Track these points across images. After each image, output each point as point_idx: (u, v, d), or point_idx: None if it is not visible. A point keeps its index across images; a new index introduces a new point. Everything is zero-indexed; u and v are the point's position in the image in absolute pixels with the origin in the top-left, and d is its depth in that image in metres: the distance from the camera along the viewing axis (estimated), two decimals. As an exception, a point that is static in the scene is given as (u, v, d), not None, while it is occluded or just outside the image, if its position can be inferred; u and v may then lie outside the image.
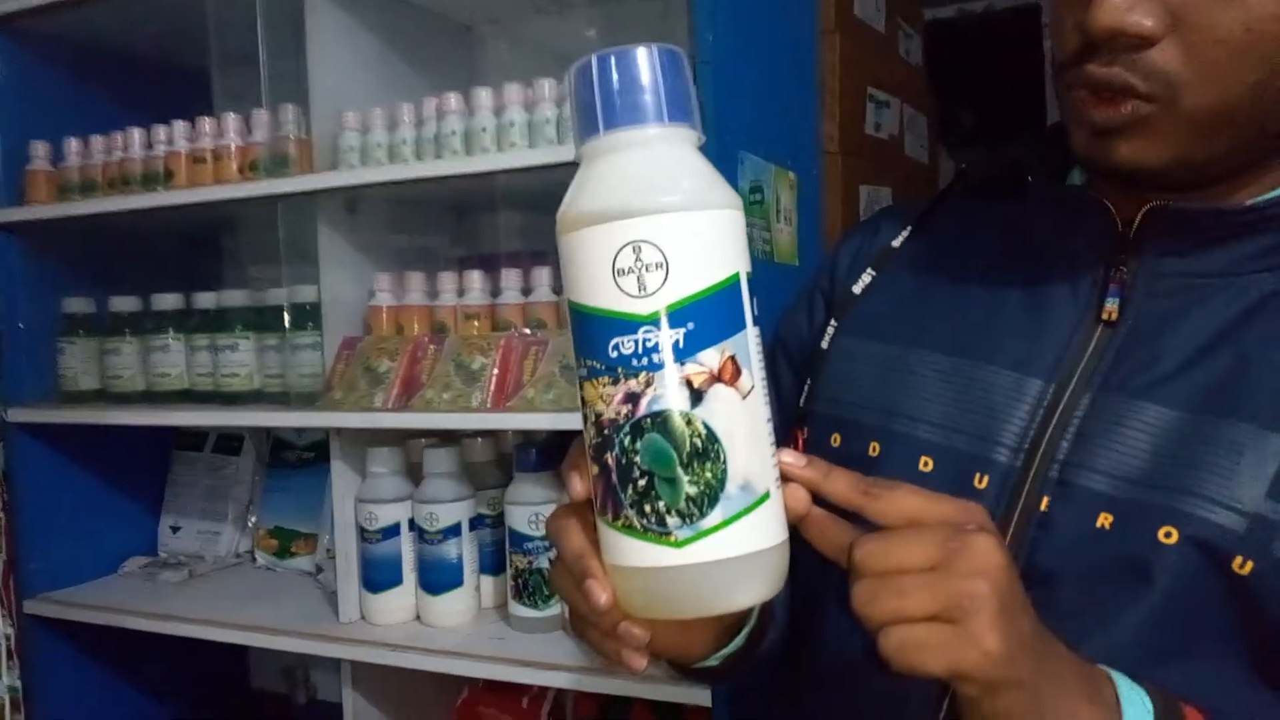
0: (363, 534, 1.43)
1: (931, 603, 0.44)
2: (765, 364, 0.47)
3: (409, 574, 1.42)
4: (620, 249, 0.43)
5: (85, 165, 1.60)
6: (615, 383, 0.44)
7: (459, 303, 1.39)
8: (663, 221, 0.43)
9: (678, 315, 0.43)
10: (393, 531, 1.41)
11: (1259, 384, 0.54)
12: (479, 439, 1.47)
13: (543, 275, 1.35)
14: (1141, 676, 0.51)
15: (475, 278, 1.38)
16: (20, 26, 1.61)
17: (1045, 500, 0.57)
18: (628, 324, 0.43)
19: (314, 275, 1.43)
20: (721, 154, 1.12)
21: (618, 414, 0.44)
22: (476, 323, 1.36)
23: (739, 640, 0.62)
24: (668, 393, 0.43)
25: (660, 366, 0.43)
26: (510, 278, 1.36)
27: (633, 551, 0.45)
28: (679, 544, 0.44)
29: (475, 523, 1.42)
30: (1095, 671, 0.50)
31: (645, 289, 0.43)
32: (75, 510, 1.76)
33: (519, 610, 1.36)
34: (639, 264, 0.43)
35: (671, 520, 0.44)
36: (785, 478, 0.48)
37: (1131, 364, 0.57)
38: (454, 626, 1.41)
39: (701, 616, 0.46)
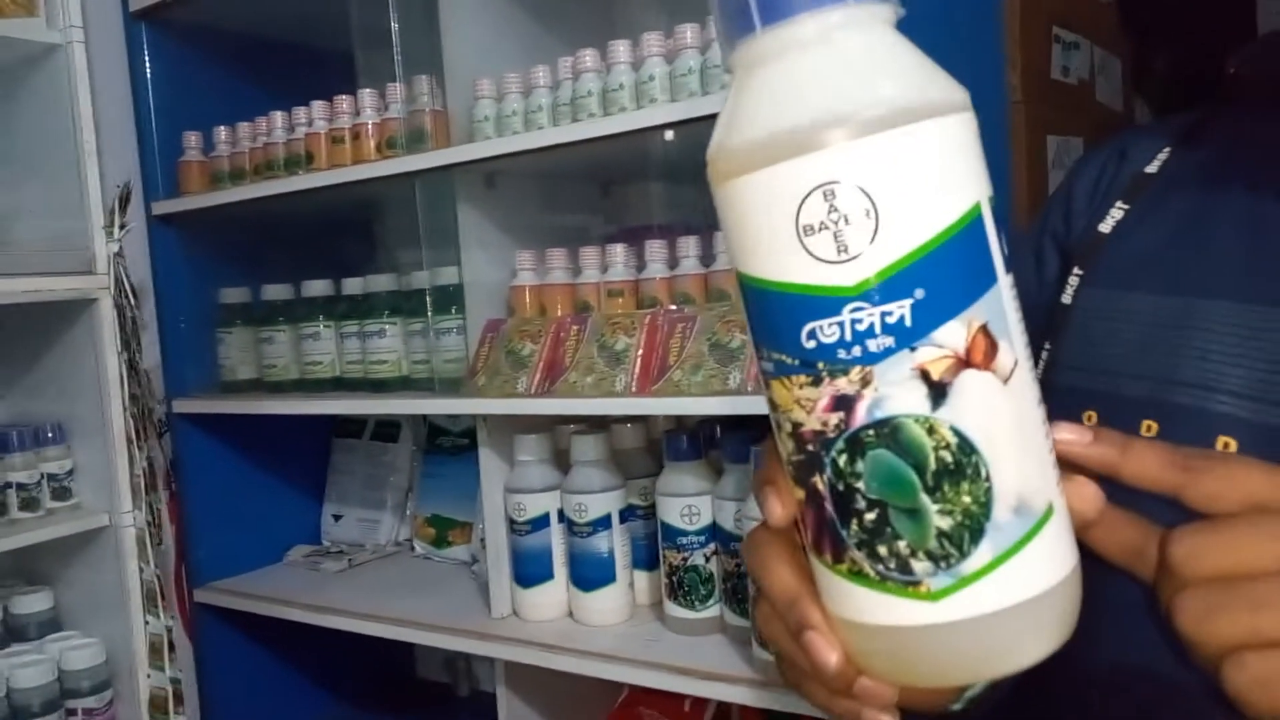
0: (512, 525, 1.36)
1: None
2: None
3: (560, 568, 1.34)
4: (806, 197, 0.31)
5: (234, 153, 1.60)
6: (817, 383, 0.32)
7: (602, 279, 1.29)
8: (865, 149, 0.30)
9: (899, 281, 0.31)
10: (542, 523, 1.33)
11: None
12: (629, 424, 1.37)
13: (689, 246, 1.23)
14: None
15: (618, 252, 1.29)
16: (166, 18, 1.62)
17: None
18: (827, 301, 0.31)
19: (455, 256, 1.37)
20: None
21: (824, 425, 0.32)
22: (620, 300, 1.26)
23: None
24: (896, 391, 0.31)
25: (881, 356, 0.31)
26: (654, 250, 1.26)
27: (867, 605, 0.34)
28: (934, 596, 0.32)
29: (626, 514, 1.32)
30: None
31: (847, 249, 0.31)
32: (241, 499, 1.78)
33: (674, 610, 1.25)
34: (835, 215, 0.31)
35: (920, 565, 0.32)
36: (1066, 464, 0.35)
37: None
38: (607, 625, 1.32)
39: (972, 682, 0.36)
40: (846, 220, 0.30)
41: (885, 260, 0.31)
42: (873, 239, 0.30)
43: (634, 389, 1.18)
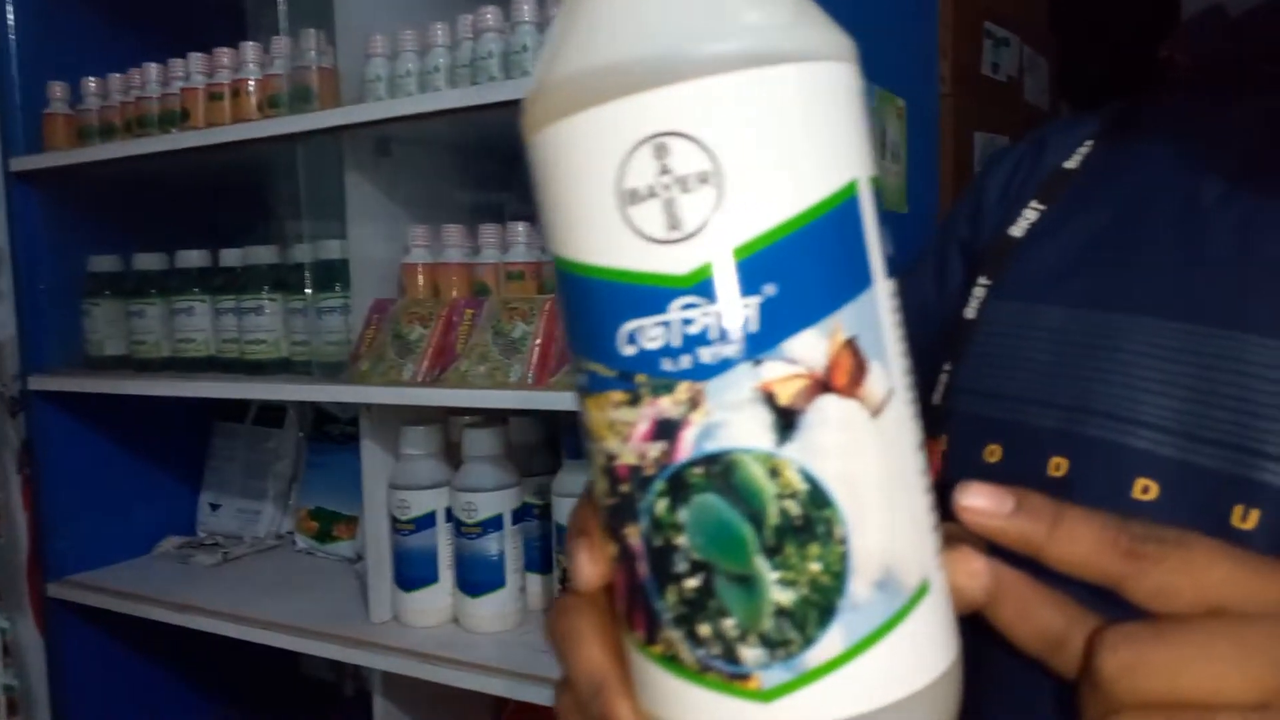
0: (395, 524, 1.25)
1: None
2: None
3: (445, 571, 1.25)
4: (632, 152, 0.23)
5: (104, 107, 1.46)
6: (636, 402, 0.25)
7: (502, 260, 1.19)
8: (710, 92, 0.23)
9: (744, 272, 0.24)
10: (427, 522, 1.23)
11: None
12: (528, 417, 1.28)
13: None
14: None
15: (520, 231, 1.19)
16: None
17: None
18: (652, 294, 0.24)
19: (341, 229, 1.25)
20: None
21: (642, 458, 0.25)
22: (521, 283, 1.17)
23: None
24: (733, 418, 0.24)
25: (716, 370, 0.24)
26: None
27: (682, 702, 0.26)
28: (766, 696, 0.24)
29: (520, 514, 1.23)
30: None
31: (681, 225, 0.23)
32: (107, 485, 1.63)
33: (567, 620, 1.16)
34: (667, 178, 0.23)
35: (750, 654, 0.25)
36: (955, 538, 0.28)
37: None
38: (494, 632, 1.23)
39: None
40: (681, 186, 0.23)
41: (728, 242, 0.23)
42: (713, 213, 0.23)
43: (531, 380, 1.08)
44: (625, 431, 0.25)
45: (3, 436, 1.48)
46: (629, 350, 0.24)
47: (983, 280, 0.48)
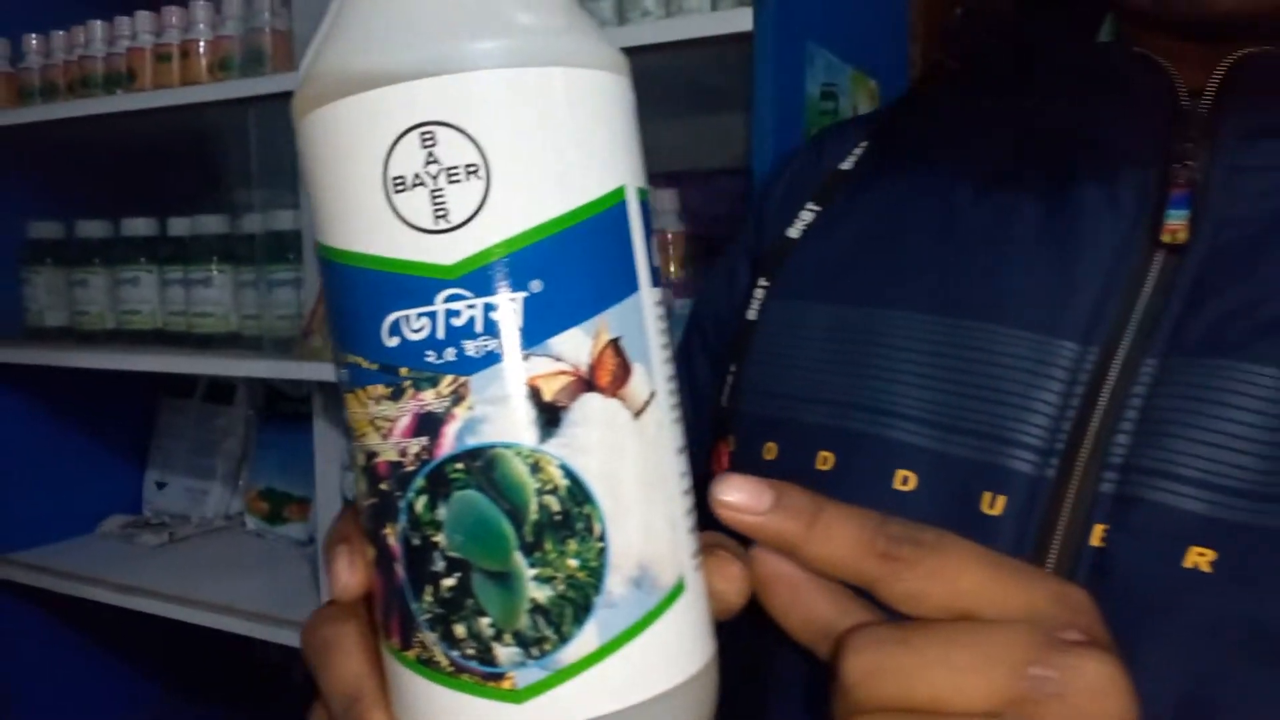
0: (349, 505, 1.21)
1: None
2: (679, 360, 0.32)
3: (399, 556, 1.21)
4: (399, 139, 0.24)
5: (46, 65, 1.40)
6: (398, 396, 0.25)
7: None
8: (481, 84, 0.24)
9: (512, 265, 0.24)
10: (381, 505, 1.19)
11: None
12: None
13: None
14: None
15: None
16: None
17: (1099, 530, 0.37)
18: (418, 284, 0.24)
19: (294, 199, 1.20)
20: (784, 43, 0.86)
21: (403, 454, 0.25)
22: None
23: None
24: (496, 412, 0.24)
25: (481, 364, 0.24)
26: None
27: (437, 707, 0.26)
28: (519, 696, 0.25)
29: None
30: None
31: (448, 216, 0.24)
32: (47, 461, 1.58)
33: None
34: (435, 168, 0.24)
35: (505, 653, 0.25)
36: (716, 545, 0.28)
37: (1218, 307, 0.38)
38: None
39: None
40: (448, 176, 0.24)
41: (496, 235, 0.24)
42: (480, 206, 0.24)
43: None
44: (386, 427, 0.25)
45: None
46: (392, 342, 0.24)
47: (762, 282, 0.49)
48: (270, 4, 1.18)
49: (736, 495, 0.27)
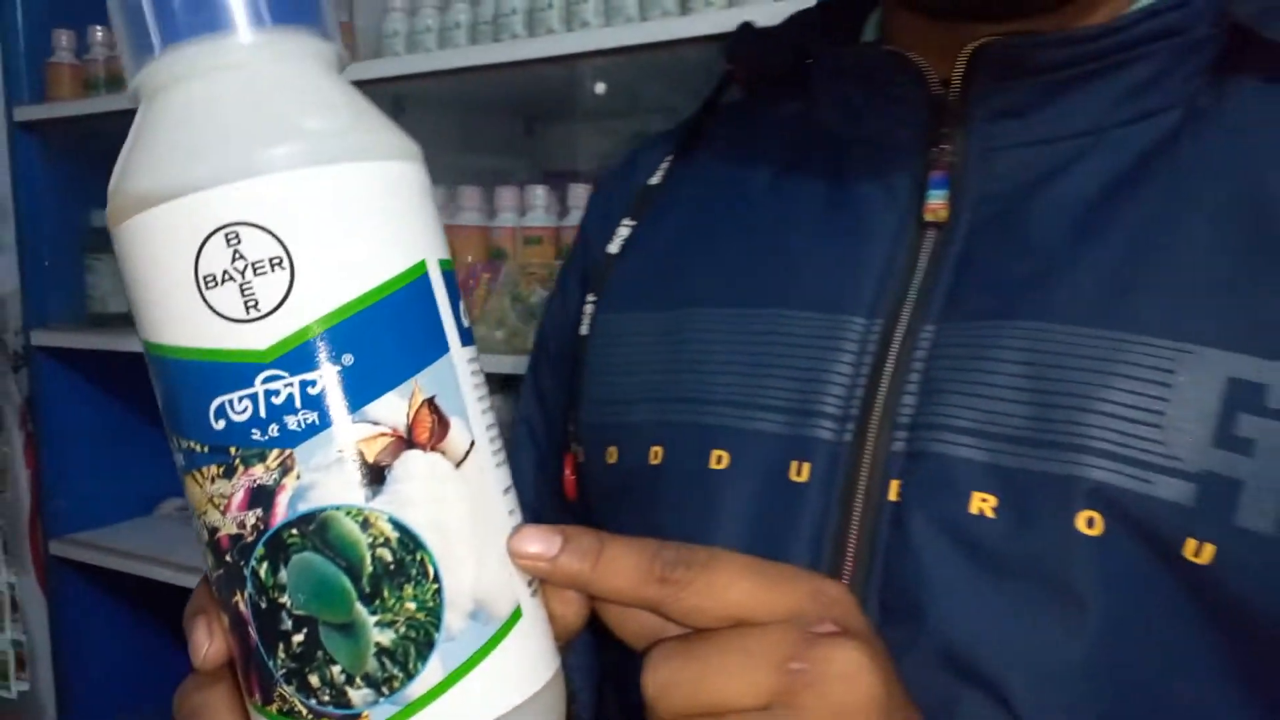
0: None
1: None
2: (529, 380, 0.38)
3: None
4: (206, 240, 0.26)
5: (111, 57, 1.43)
6: (230, 473, 0.27)
7: (519, 224, 1.17)
8: (274, 186, 0.26)
9: (323, 344, 0.26)
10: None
11: (1166, 279, 0.39)
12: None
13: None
14: None
15: (539, 194, 1.16)
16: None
17: (894, 485, 0.40)
18: (237, 370, 0.26)
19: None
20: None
21: (242, 526, 0.27)
22: (539, 248, 1.14)
23: None
24: (324, 478, 0.26)
25: (304, 435, 0.26)
26: (580, 195, 1.14)
27: None
28: None
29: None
30: None
31: (258, 305, 0.26)
32: (109, 444, 1.62)
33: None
34: (241, 264, 0.26)
35: (358, 695, 0.27)
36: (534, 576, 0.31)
37: (981, 273, 0.42)
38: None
39: None
40: (254, 270, 0.26)
41: (304, 319, 0.26)
42: (287, 294, 0.26)
43: (548, 348, 1.07)
44: (223, 503, 0.27)
45: (5, 391, 1.46)
46: (220, 425, 0.26)
47: (590, 298, 0.52)
48: (333, -4, 1.20)
49: (531, 546, 0.29)
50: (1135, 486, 0.37)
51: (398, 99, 1.21)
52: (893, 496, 0.40)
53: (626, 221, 0.53)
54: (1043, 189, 0.42)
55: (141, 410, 1.66)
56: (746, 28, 0.53)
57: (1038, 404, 0.38)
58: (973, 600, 0.38)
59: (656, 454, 0.46)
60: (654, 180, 0.53)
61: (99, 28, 1.44)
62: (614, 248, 0.52)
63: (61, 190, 1.52)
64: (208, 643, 0.29)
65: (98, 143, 1.51)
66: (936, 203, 0.43)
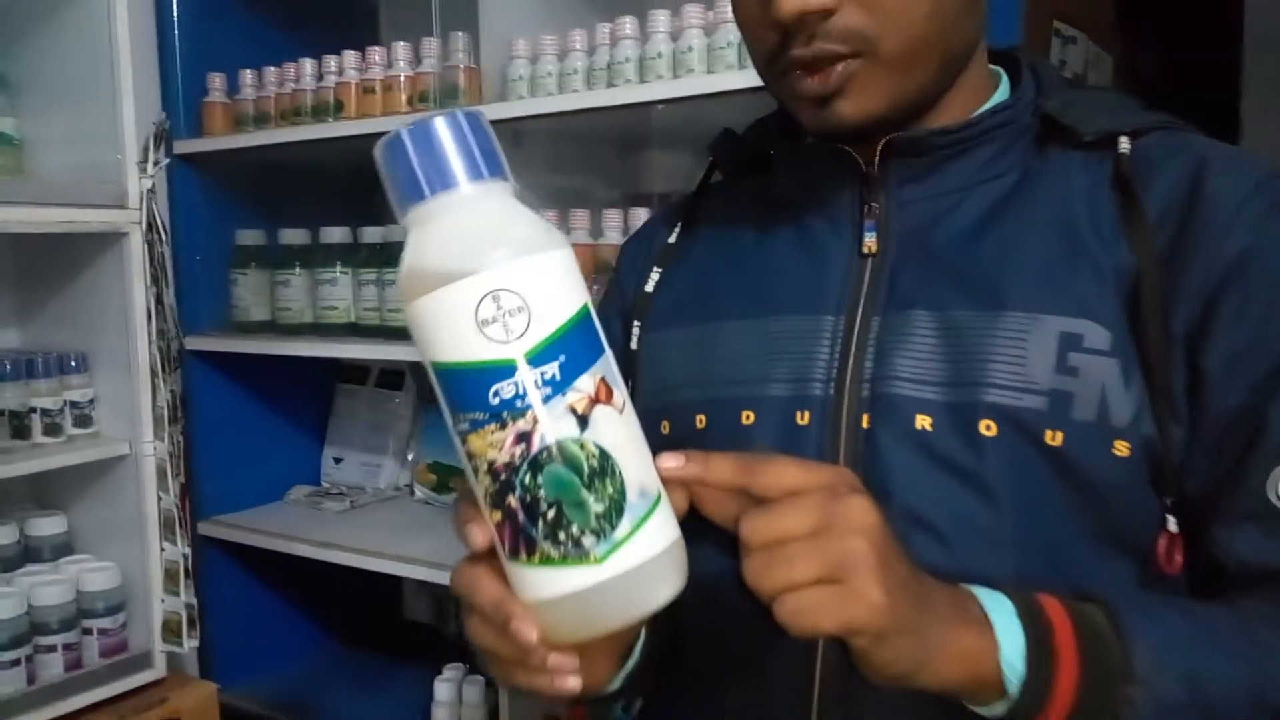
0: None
1: (817, 567, 0.47)
2: None
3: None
4: (480, 300, 0.44)
5: (259, 97, 1.62)
6: (503, 427, 0.45)
7: (623, 242, 1.34)
8: (514, 268, 0.44)
9: (548, 351, 0.45)
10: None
11: (1018, 273, 0.60)
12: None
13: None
14: (1005, 581, 0.55)
15: (640, 215, 1.33)
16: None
17: (866, 418, 0.61)
18: (504, 369, 0.44)
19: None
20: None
21: (512, 456, 0.45)
22: (643, 261, 1.32)
23: (635, 657, 0.65)
24: (557, 424, 0.45)
25: (545, 401, 0.45)
26: (676, 215, 1.31)
27: (556, 580, 0.46)
28: (599, 560, 0.45)
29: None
30: (960, 593, 0.53)
31: (511, 333, 0.44)
32: (246, 438, 1.82)
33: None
34: (500, 311, 0.44)
35: (588, 540, 0.45)
36: (665, 481, 0.50)
37: (903, 282, 0.63)
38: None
39: (629, 624, 0.48)
40: (509, 314, 0.44)
41: (538, 338, 0.45)
42: (528, 326, 0.45)
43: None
44: (500, 445, 0.45)
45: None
46: (495, 400, 0.45)
47: (636, 324, 0.74)
48: (464, 44, 1.39)
49: (668, 463, 0.49)
50: (1013, 401, 0.58)
51: (516, 134, 1.40)
52: (865, 425, 0.61)
53: (656, 269, 0.75)
54: (937, 226, 0.64)
55: (273, 407, 1.86)
56: (726, 131, 0.75)
57: (948, 359, 0.60)
58: (920, 482, 0.59)
59: (701, 420, 0.66)
60: (671, 240, 0.76)
61: (248, 71, 1.64)
62: (649, 288, 0.74)
63: (211, 214, 1.72)
64: (480, 536, 0.48)
65: (245, 172, 1.72)
66: (870, 240, 0.65)
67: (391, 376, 1.92)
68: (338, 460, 1.94)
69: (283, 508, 1.85)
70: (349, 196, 1.75)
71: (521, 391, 0.44)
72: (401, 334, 1.54)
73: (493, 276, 0.44)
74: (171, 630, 1.47)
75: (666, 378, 0.70)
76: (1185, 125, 0.65)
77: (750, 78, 1.12)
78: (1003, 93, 0.67)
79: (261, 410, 1.85)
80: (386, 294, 1.55)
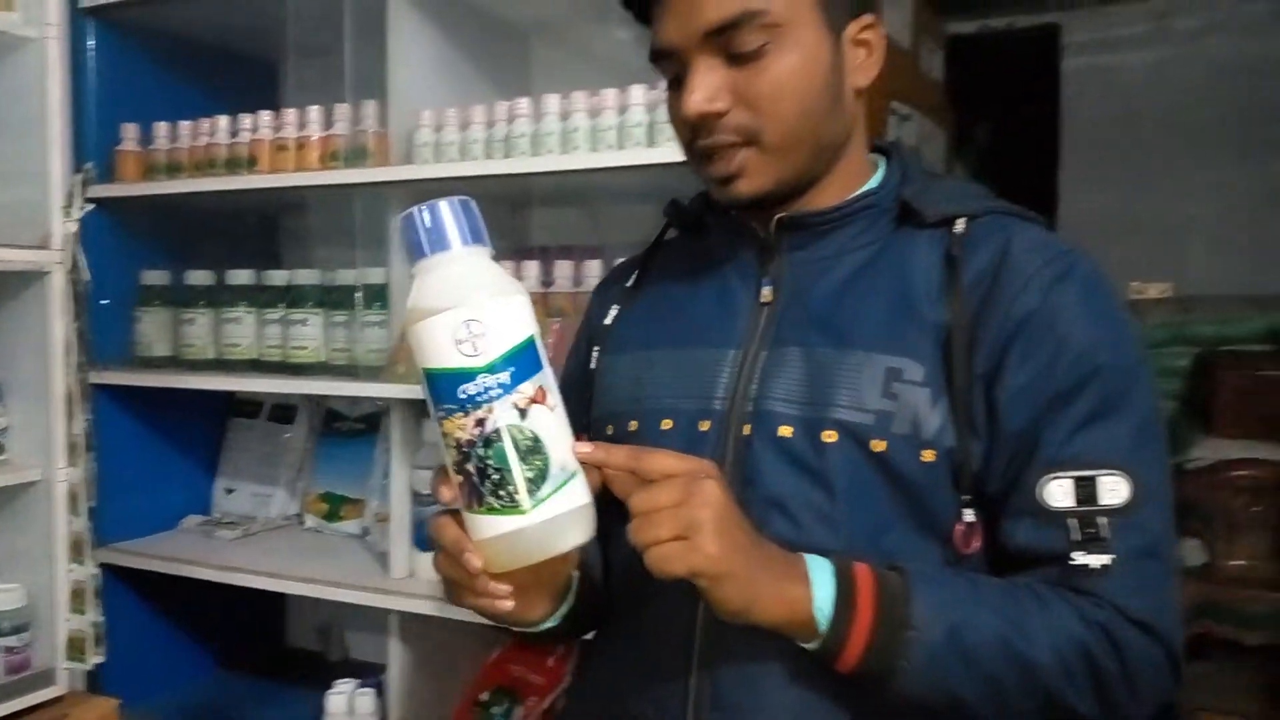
0: (416, 497, 1.56)
1: (673, 528, 0.64)
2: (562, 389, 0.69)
3: (458, 536, 1.55)
4: (458, 326, 0.62)
5: (173, 148, 1.74)
6: (466, 415, 0.63)
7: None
8: (482, 305, 0.63)
9: (501, 364, 0.63)
10: (445, 496, 1.54)
11: (863, 323, 0.78)
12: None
13: (594, 267, 1.48)
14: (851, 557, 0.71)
15: (532, 267, 1.51)
16: (114, 17, 1.76)
17: (747, 427, 0.78)
18: (471, 374, 0.62)
19: (385, 259, 1.56)
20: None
21: (473, 435, 0.63)
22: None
23: (570, 601, 0.81)
24: (505, 414, 0.63)
25: (497, 398, 0.63)
26: (563, 268, 1.49)
27: (495, 524, 0.64)
28: (527, 511, 0.64)
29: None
30: (793, 557, 0.70)
31: (478, 350, 0.62)
32: (144, 468, 1.90)
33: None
34: (470, 334, 0.62)
35: (520, 496, 0.64)
36: (580, 461, 0.68)
37: (785, 325, 0.81)
38: (498, 585, 1.53)
39: (546, 557, 0.65)
40: (477, 337, 0.62)
41: (496, 354, 0.63)
42: (489, 345, 0.63)
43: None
44: (464, 427, 0.64)
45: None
46: (462, 395, 0.63)
47: (597, 349, 0.92)
48: (374, 111, 1.55)
49: (583, 448, 0.66)
50: (850, 417, 0.75)
51: (421, 192, 1.56)
52: (746, 432, 0.78)
53: (615, 306, 0.92)
54: (815, 284, 0.81)
55: (167, 439, 1.94)
56: (674, 201, 0.93)
57: (809, 384, 0.77)
58: (780, 476, 0.76)
59: (634, 425, 0.84)
60: (629, 284, 0.94)
61: (163, 124, 1.75)
62: (608, 320, 0.92)
63: (119, 256, 1.81)
64: (448, 493, 0.66)
65: (150, 217, 1.82)
66: (766, 291, 0.82)
67: (284, 410, 2.03)
68: (230, 491, 2.03)
69: (177, 535, 1.93)
70: (253, 242, 1.87)
71: (481, 390, 0.62)
72: (303, 369, 1.67)
73: (467, 311, 0.62)
74: (77, 648, 1.55)
75: (614, 392, 0.88)
76: (1020, 210, 0.82)
77: (629, 156, 1.33)
78: (876, 179, 0.84)
79: (158, 442, 1.93)
80: (290, 333, 1.67)
